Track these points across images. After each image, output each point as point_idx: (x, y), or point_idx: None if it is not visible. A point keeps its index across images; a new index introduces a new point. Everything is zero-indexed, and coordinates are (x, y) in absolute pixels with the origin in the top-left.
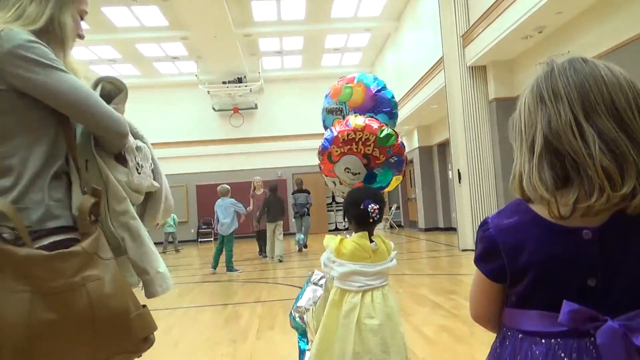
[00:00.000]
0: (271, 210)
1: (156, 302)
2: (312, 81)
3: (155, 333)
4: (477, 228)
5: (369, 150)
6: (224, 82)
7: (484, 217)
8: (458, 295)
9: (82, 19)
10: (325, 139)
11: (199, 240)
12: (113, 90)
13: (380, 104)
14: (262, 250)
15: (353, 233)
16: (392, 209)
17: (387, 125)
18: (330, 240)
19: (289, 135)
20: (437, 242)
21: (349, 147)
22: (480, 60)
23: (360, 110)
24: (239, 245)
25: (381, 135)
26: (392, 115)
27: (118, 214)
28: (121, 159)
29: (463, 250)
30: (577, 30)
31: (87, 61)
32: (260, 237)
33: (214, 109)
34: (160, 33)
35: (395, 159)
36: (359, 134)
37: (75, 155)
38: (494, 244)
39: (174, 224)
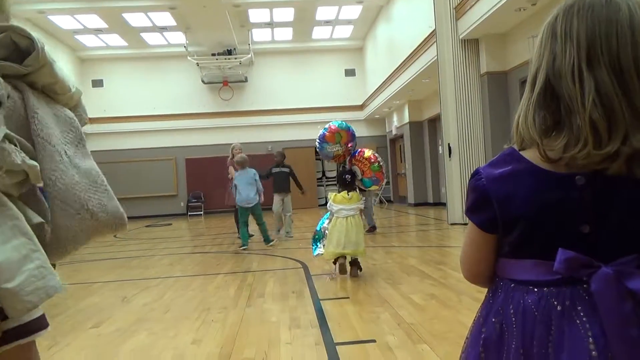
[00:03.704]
0: (277, 181)
1: (147, 271)
2: (302, 54)
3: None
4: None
5: (365, 168)
6: (213, 54)
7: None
8: (446, 266)
9: None
10: (354, 152)
11: (189, 213)
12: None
13: (353, 136)
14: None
15: (341, 189)
16: (382, 184)
17: (378, 161)
18: (330, 194)
19: (279, 109)
20: (426, 217)
21: (359, 162)
22: (473, 34)
23: (347, 143)
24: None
25: (373, 166)
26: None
27: None
28: None
29: (452, 224)
30: None
31: (71, 30)
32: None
33: (203, 81)
34: (147, 2)
35: (375, 178)
36: (365, 161)
37: None
38: (486, 194)
39: None
